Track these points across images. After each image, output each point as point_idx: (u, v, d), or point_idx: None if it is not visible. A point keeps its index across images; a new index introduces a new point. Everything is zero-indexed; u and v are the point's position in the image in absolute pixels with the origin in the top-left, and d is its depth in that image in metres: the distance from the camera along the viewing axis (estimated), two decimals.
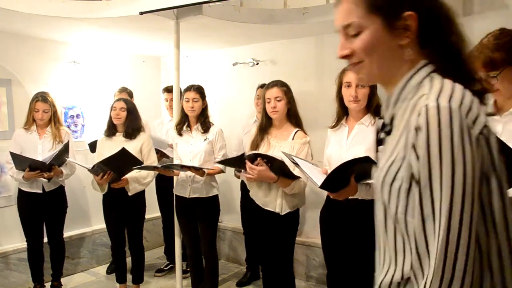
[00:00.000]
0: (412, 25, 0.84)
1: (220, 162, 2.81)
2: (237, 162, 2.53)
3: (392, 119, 0.88)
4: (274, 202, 2.44)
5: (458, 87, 0.81)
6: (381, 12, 0.85)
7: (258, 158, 2.33)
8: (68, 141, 3.17)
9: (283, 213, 2.43)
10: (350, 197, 2.05)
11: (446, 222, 0.73)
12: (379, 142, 0.92)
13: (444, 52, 0.86)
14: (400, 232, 0.83)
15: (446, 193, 0.73)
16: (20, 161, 3.01)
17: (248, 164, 2.38)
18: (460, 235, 0.73)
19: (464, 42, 0.88)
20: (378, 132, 0.91)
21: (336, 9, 0.90)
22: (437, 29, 0.86)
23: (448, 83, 0.82)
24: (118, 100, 3.18)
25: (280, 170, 2.33)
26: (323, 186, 1.85)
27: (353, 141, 2.16)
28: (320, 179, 1.87)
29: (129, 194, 3.05)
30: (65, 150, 3.07)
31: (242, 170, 2.59)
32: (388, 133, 0.88)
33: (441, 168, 0.73)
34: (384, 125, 0.91)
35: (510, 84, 1.49)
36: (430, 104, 0.75)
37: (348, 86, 2.15)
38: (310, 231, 3.71)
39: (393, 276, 0.85)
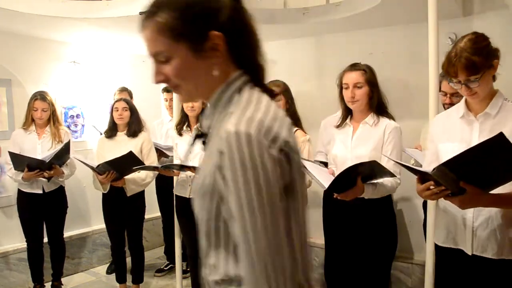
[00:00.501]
0: (219, 44, 0.85)
1: None
2: None
3: (209, 129, 0.91)
4: None
5: (264, 103, 0.85)
6: (185, 38, 0.85)
7: None
8: (69, 140, 3.16)
9: None
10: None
11: (251, 237, 0.77)
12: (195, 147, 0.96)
13: (250, 62, 0.91)
14: (214, 239, 0.87)
15: (250, 216, 0.77)
16: (19, 161, 3.00)
17: None
18: (264, 248, 0.77)
19: (261, 51, 0.94)
20: (194, 140, 0.95)
21: (142, 35, 0.90)
22: (243, 42, 0.89)
23: (254, 99, 0.85)
24: (119, 100, 3.18)
25: None
26: (330, 188, 1.86)
27: (358, 141, 2.17)
28: (326, 181, 1.88)
29: (128, 195, 3.05)
30: (65, 149, 3.07)
31: None
32: (205, 143, 0.92)
33: (244, 190, 0.76)
34: (202, 134, 0.93)
35: (486, 87, 1.53)
36: (231, 129, 0.78)
37: (346, 87, 2.16)
38: (310, 231, 3.70)
39: (215, 276, 0.89)
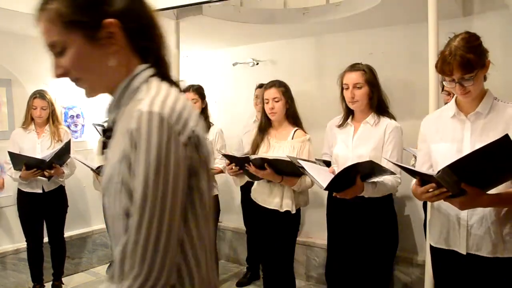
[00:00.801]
0: (116, 32, 0.84)
1: (225, 155, 2.72)
2: (240, 162, 2.51)
3: (114, 123, 0.90)
4: (280, 202, 2.45)
5: (173, 93, 0.85)
6: (78, 26, 0.83)
7: (265, 164, 2.32)
8: (70, 140, 3.15)
9: (293, 211, 2.44)
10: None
11: (146, 218, 0.77)
12: (104, 145, 0.93)
13: (153, 55, 0.90)
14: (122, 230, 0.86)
15: (150, 194, 0.77)
16: (18, 160, 3.00)
17: (252, 168, 2.36)
18: (161, 229, 0.77)
19: (164, 45, 0.92)
20: (103, 136, 0.95)
21: (38, 29, 0.88)
22: (143, 33, 0.88)
23: (164, 88, 0.85)
24: None
25: (285, 171, 2.32)
26: (328, 188, 1.86)
27: (359, 140, 2.18)
28: (325, 180, 1.87)
29: None
30: (66, 148, 3.06)
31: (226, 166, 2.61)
32: (109, 137, 0.90)
33: (148, 170, 0.76)
34: (106, 129, 0.92)
35: (479, 86, 1.55)
36: (143, 109, 0.78)
37: (346, 88, 2.17)
38: (310, 231, 3.71)
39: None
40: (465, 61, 1.48)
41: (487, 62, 1.54)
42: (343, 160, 2.17)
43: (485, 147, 1.31)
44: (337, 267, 2.32)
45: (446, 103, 2.49)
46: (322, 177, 1.94)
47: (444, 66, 1.53)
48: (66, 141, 3.10)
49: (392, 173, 1.99)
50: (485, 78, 1.59)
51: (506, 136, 1.26)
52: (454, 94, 2.48)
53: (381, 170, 1.94)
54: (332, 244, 2.37)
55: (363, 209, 2.13)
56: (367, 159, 2.03)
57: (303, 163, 2.07)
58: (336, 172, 2.00)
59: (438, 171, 1.42)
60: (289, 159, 2.21)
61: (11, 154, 2.99)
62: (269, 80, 2.65)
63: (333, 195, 2.03)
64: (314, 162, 2.26)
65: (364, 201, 2.08)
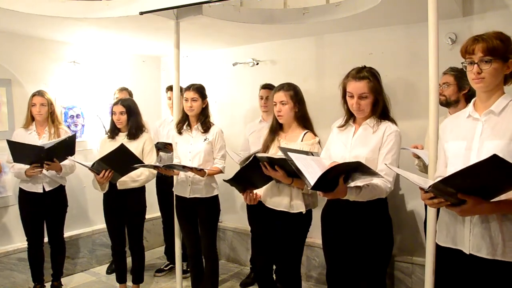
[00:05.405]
0: None
1: (229, 181, 2.49)
2: (248, 169, 2.42)
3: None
4: (289, 203, 2.44)
5: None
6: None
7: (276, 166, 2.30)
8: (75, 134, 3.14)
9: (304, 212, 2.43)
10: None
11: None
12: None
13: None
14: None
15: None
16: (18, 150, 2.96)
17: (268, 167, 2.32)
18: None
19: None
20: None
21: None
22: None
23: None
24: (116, 104, 3.16)
25: (295, 173, 2.30)
26: (315, 187, 1.81)
27: (357, 142, 2.15)
28: (314, 178, 1.81)
29: (118, 188, 3.05)
30: (69, 142, 3.03)
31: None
32: None
33: None
34: None
35: (494, 77, 1.56)
36: None
37: (351, 96, 2.13)
38: (310, 231, 3.70)
39: None
40: (491, 44, 1.53)
41: (510, 62, 1.56)
42: (339, 160, 2.14)
43: (475, 165, 1.32)
44: (336, 270, 2.29)
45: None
46: (312, 174, 1.86)
47: (469, 43, 1.57)
48: (71, 135, 3.07)
49: (378, 175, 1.94)
50: (505, 81, 1.61)
51: (494, 155, 1.25)
52: (441, 84, 2.47)
53: (370, 173, 1.88)
54: (330, 247, 2.34)
55: (357, 213, 2.10)
56: (363, 160, 2.01)
57: (292, 155, 1.96)
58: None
59: (429, 186, 1.44)
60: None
61: (10, 143, 2.94)
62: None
63: (318, 194, 1.98)
64: (312, 154, 2.18)
65: (358, 205, 2.04)
